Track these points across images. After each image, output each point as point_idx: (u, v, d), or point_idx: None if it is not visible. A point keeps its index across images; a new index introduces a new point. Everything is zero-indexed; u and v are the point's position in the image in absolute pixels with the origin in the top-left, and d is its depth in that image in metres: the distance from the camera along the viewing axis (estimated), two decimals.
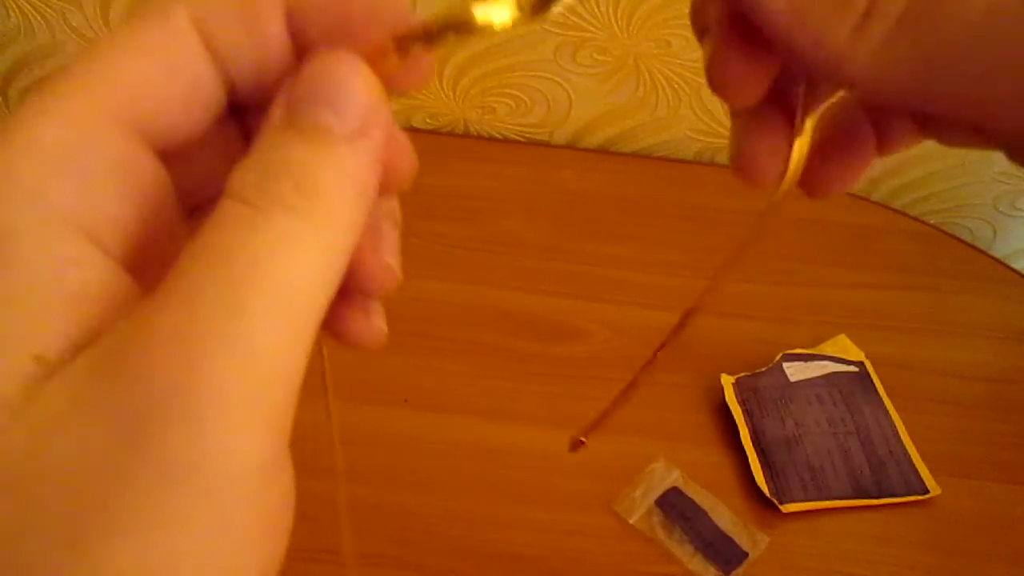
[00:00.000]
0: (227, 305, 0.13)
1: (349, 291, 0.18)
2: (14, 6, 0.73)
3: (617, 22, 0.70)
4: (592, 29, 0.71)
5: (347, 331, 0.19)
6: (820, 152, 0.21)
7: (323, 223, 0.15)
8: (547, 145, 0.81)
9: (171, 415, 0.13)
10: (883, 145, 0.21)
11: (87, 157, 0.14)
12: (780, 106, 0.20)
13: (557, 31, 0.72)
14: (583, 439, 0.26)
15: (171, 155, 0.16)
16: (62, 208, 0.14)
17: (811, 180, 0.21)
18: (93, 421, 0.13)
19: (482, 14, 0.16)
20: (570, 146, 0.81)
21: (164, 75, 0.16)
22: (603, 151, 0.80)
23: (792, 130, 0.20)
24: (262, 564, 0.14)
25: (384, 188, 0.17)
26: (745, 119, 0.20)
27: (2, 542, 0.13)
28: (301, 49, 0.17)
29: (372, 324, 0.19)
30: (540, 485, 0.54)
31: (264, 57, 0.17)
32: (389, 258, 0.18)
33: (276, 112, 0.15)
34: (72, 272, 0.14)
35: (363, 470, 0.53)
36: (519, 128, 0.80)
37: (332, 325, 0.19)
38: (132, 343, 0.13)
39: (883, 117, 0.21)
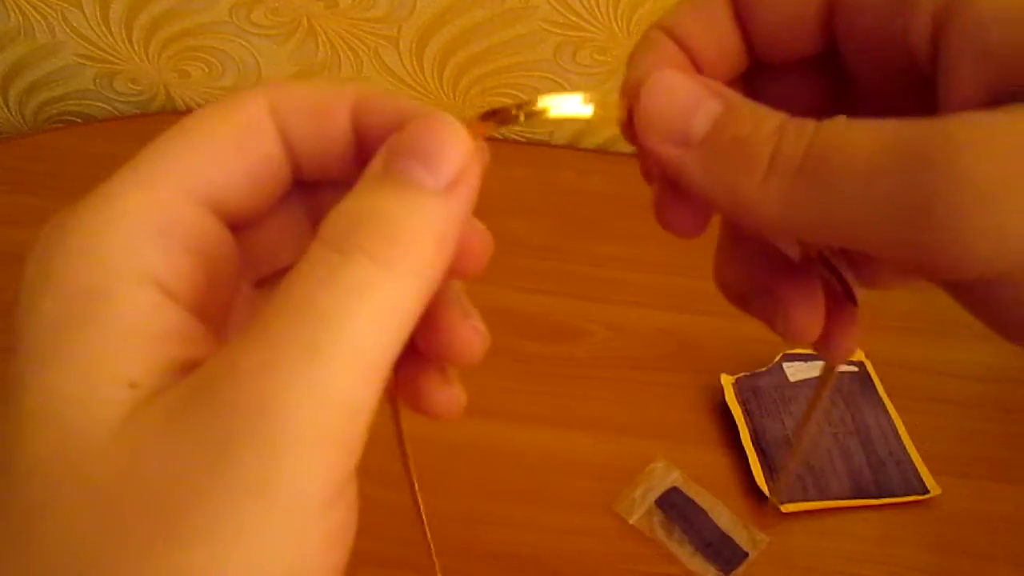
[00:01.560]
0: (306, 347, 0.15)
1: (429, 360, 0.20)
2: (14, 6, 0.73)
3: (617, 22, 0.70)
4: (592, 29, 0.71)
5: (428, 400, 0.21)
6: (828, 337, 0.23)
7: (404, 272, 0.16)
8: (547, 145, 0.81)
9: (251, 440, 0.14)
10: (872, 285, 0.24)
11: (166, 226, 0.17)
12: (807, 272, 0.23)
13: (557, 31, 0.72)
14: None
15: (239, 222, 0.19)
16: (145, 267, 0.16)
17: (827, 353, 0.24)
18: (183, 441, 0.15)
19: (556, 107, 0.20)
20: (570, 146, 0.81)
21: (237, 159, 0.18)
22: (603, 151, 0.80)
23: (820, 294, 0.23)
24: (326, 572, 0.16)
25: (457, 269, 0.18)
26: (785, 287, 0.23)
27: (92, 545, 0.14)
28: (362, 138, 0.19)
29: (452, 392, 0.21)
30: (540, 485, 0.54)
31: (330, 146, 0.19)
32: (478, 322, 0.20)
33: (376, 163, 0.17)
34: (154, 318, 0.16)
35: (363, 470, 0.53)
36: (519, 128, 0.80)
37: (411, 396, 0.21)
38: (222, 375, 0.15)
39: (859, 263, 0.23)
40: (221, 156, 0.18)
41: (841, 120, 0.17)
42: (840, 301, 0.23)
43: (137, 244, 0.16)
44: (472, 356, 0.20)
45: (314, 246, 0.16)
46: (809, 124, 0.17)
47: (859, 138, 0.16)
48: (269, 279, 0.21)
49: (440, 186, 0.17)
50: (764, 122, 0.18)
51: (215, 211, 0.18)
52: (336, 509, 0.16)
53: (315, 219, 0.21)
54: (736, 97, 0.19)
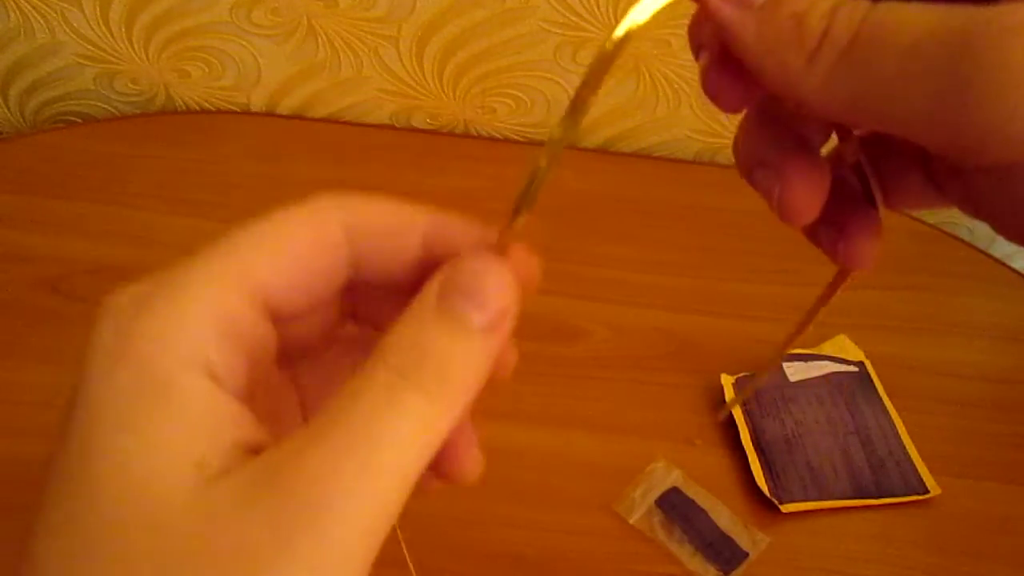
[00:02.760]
0: (364, 463, 0.17)
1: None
2: (14, 6, 0.73)
3: (617, 22, 0.70)
4: (592, 29, 0.71)
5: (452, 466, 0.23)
6: (835, 226, 0.24)
7: (446, 404, 0.19)
8: None
9: (312, 531, 0.17)
10: (892, 199, 0.24)
11: (228, 325, 0.19)
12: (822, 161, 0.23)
13: (557, 31, 0.72)
14: None
15: (286, 319, 0.21)
16: (208, 359, 0.18)
17: (839, 256, 0.24)
18: (254, 520, 0.17)
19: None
20: (570, 146, 0.80)
21: (303, 271, 0.20)
22: (603, 151, 0.80)
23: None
24: None
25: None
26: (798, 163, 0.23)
27: None
28: (425, 260, 0.21)
29: (430, 489, 0.23)
30: (540, 485, 0.54)
31: (396, 268, 0.21)
32: (478, 452, 0.23)
33: (431, 292, 0.19)
34: (215, 405, 0.18)
35: None
36: (519, 128, 0.80)
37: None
38: (289, 466, 0.17)
39: (886, 170, 0.23)
40: (287, 266, 0.20)
41: (892, 4, 0.18)
42: (862, 206, 0.23)
43: (203, 339, 0.18)
44: (465, 481, 0.23)
45: (378, 367, 0.18)
46: (862, 6, 0.18)
47: (906, 20, 0.17)
48: (293, 360, 0.24)
49: (487, 324, 0.19)
50: (820, 2, 0.18)
51: (269, 310, 0.20)
52: None
53: (346, 309, 0.24)
54: None
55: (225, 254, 0.19)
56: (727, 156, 0.81)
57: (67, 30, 0.74)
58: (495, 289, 0.19)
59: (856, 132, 0.23)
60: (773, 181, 0.22)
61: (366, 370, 0.18)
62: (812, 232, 0.24)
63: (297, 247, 0.20)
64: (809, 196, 0.22)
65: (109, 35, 0.74)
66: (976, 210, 0.21)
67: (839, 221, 0.24)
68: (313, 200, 0.20)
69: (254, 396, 0.20)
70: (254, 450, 0.18)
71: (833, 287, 0.26)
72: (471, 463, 0.23)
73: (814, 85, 0.18)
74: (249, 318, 0.19)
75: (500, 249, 0.20)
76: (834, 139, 0.24)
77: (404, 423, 0.18)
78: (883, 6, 0.18)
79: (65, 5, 0.72)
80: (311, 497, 0.17)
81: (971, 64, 0.16)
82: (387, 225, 0.21)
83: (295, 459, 0.17)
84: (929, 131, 0.18)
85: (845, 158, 0.24)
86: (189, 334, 0.18)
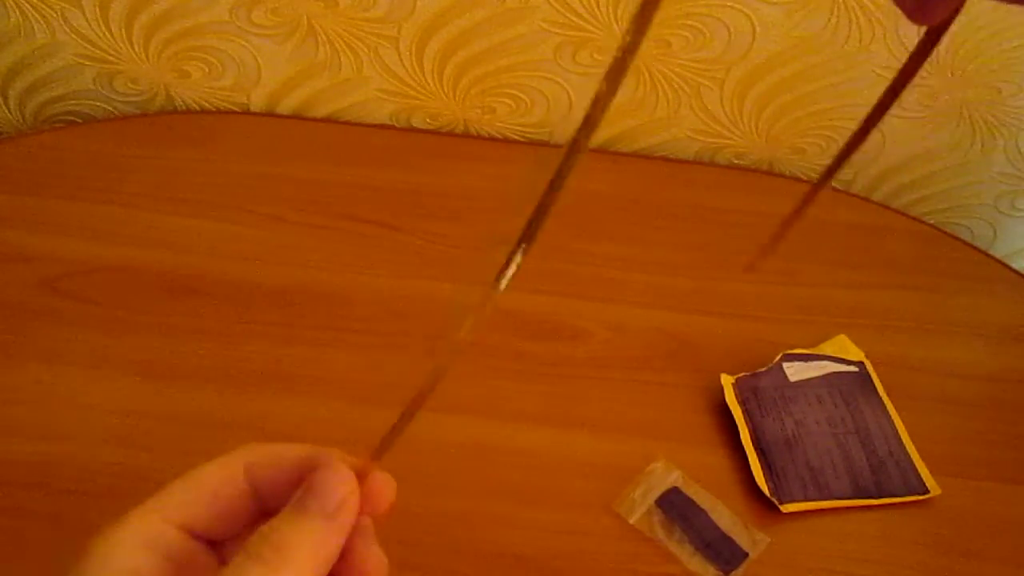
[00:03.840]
0: None
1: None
2: (14, 6, 0.73)
3: (617, 22, 0.70)
4: (592, 29, 0.71)
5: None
6: None
7: (277, 570, 0.23)
8: (547, 145, 0.81)
9: None
10: None
11: (151, 541, 0.25)
12: None
13: (557, 31, 0.72)
14: None
15: (217, 538, 0.27)
16: (136, 568, 0.24)
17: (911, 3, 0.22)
18: None
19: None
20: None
21: (214, 502, 0.26)
22: (603, 151, 0.80)
23: None
24: None
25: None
26: None
27: None
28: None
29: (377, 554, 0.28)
30: (540, 485, 0.54)
31: (285, 488, 0.26)
32: (381, 555, 0.27)
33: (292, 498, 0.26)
34: None
35: None
36: (519, 128, 0.80)
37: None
38: None
39: None
40: (202, 499, 0.26)
41: None
42: None
43: (132, 553, 0.24)
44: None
45: (238, 554, 0.24)
46: None
47: None
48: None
49: (324, 510, 0.25)
50: None
51: (192, 533, 0.26)
52: None
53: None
54: None
55: (160, 493, 0.26)
56: (727, 156, 0.81)
57: (67, 30, 0.74)
58: (334, 485, 0.25)
59: None
60: None
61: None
62: None
63: (207, 483, 0.26)
64: None
65: (109, 35, 0.74)
66: None
67: None
68: (230, 451, 0.27)
69: None
70: None
71: (919, 56, 0.23)
72: (373, 568, 0.27)
73: None
74: (172, 537, 0.25)
75: (357, 466, 0.26)
76: None
77: None
78: None
79: (65, 5, 0.72)
80: None
81: None
82: (271, 458, 0.27)
83: None
84: None
85: None
86: (122, 552, 0.24)
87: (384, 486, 0.28)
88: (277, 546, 0.24)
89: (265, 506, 0.27)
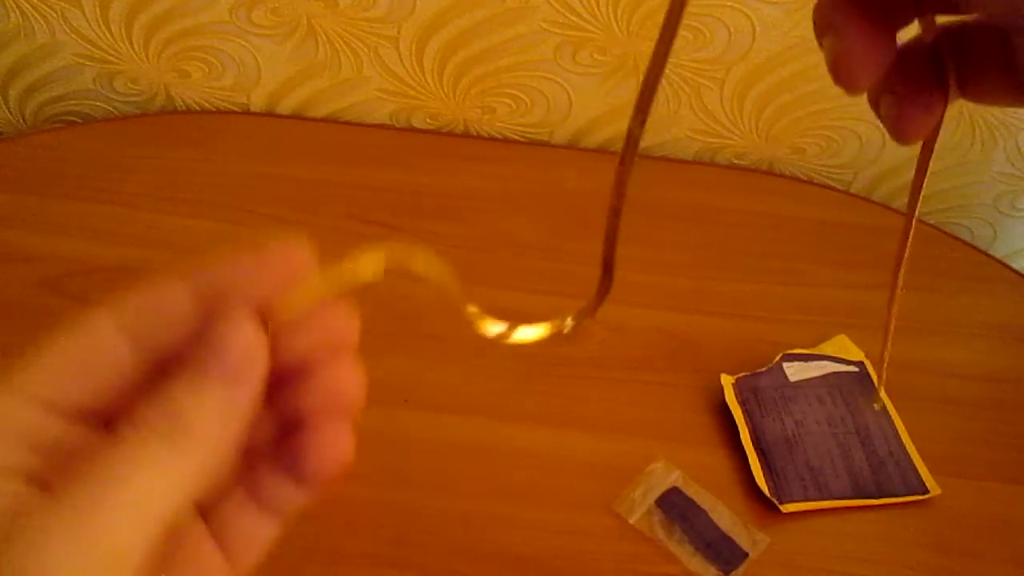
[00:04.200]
0: (85, 505, 0.18)
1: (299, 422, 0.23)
2: (14, 6, 0.73)
3: (617, 22, 0.70)
4: (592, 29, 0.71)
5: (309, 466, 0.23)
6: (899, 94, 0.23)
7: (185, 448, 0.19)
8: (547, 145, 0.81)
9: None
10: (971, 90, 0.23)
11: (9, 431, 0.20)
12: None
13: (557, 31, 0.72)
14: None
15: (104, 415, 0.21)
16: None
17: (894, 125, 0.24)
18: None
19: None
20: (570, 146, 0.81)
21: (79, 373, 0.21)
22: (603, 151, 0.80)
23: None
24: None
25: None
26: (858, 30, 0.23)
27: None
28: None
29: (340, 444, 0.24)
30: (540, 485, 0.54)
31: (176, 329, 0.21)
32: (348, 371, 0.24)
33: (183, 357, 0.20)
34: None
35: (363, 470, 0.53)
36: (519, 128, 0.80)
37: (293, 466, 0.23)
38: (24, 529, 0.18)
39: (968, 59, 0.23)
40: (66, 371, 0.21)
41: None
42: (930, 85, 0.23)
43: None
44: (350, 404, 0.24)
45: (120, 425, 0.19)
46: None
47: None
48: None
49: (224, 372, 0.20)
50: None
51: (66, 414, 0.21)
52: None
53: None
54: None
55: (5, 377, 0.21)
56: (727, 156, 0.81)
57: (67, 30, 0.74)
58: (234, 337, 0.20)
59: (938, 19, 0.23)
60: (833, 41, 0.22)
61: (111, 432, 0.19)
62: (875, 101, 0.24)
63: (71, 353, 0.21)
64: (864, 60, 0.22)
65: (109, 35, 0.74)
66: None
67: (903, 93, 0.23)
68: (81, 316, 0.22)
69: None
70: None
71: (920, 168, 0.26)
72: (331, 453, 0.23)
73: None
74: (36, 421, 0.20)
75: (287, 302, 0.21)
76: (915, 26, 0.24)
77: (133, 463, 0.19)
78: None
79: (65, 5, 0.72)
80: (12, 560, 0.17)
81: None
82: (151, 304, 0.22)
83: (15, 520, 0.18)
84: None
85: (924, 37, 0.23)
86: None
87: (339, 319, 0.23)
88: (173, 415, 0.19)
89: (163, 368, 0.22)
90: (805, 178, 0.81)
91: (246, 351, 0.20)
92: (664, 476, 0.54)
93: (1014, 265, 0.73)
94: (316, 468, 0.23)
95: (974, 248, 0.74)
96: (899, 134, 0.24)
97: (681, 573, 0.51)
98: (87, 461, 0.19)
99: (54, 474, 0.19)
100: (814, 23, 0.23)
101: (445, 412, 0.57)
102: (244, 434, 0.20)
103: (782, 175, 0.81)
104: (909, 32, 0.24)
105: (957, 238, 0.75)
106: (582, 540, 0.52)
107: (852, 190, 0.82)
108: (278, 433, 0.23)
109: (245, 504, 0.23)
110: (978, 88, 0.23)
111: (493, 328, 0.25)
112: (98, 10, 0.73)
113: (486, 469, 0.55)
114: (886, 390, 0.60)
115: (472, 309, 0.25)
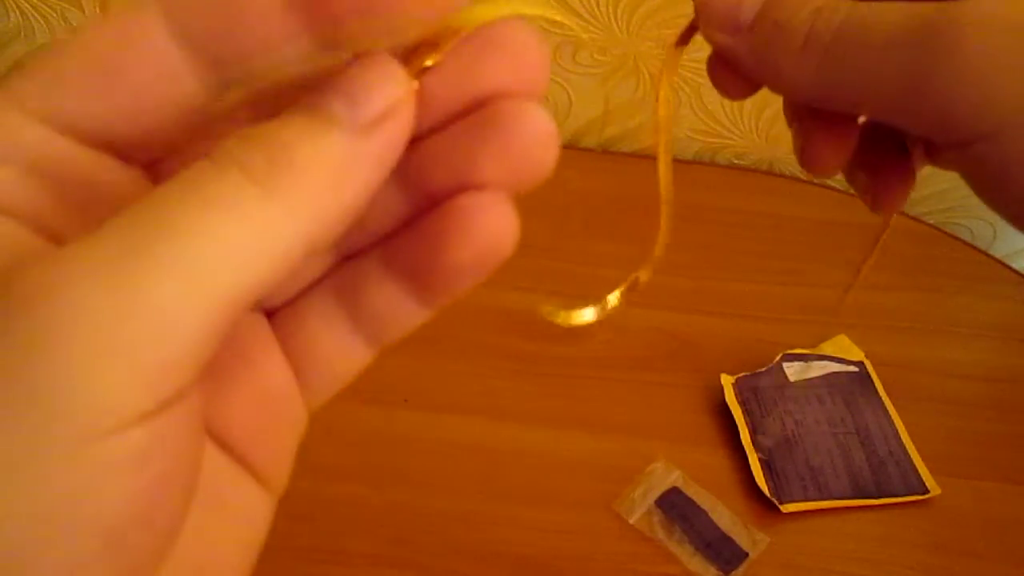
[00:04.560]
0: (133, 252, 0.13)
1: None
2: (14, 6, 0.73)
3: (617, 22, 0.70)
4: (592, 29, 0.71)
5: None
6: (870, 169, 0.25)
7: (282, 201, 0.14)
8: None
9: (44, 353, 0.12)
10: (935, 157, 0.25)
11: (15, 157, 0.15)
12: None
13: (557, 31, 0.72)
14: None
15: (138, 150, 0.16)
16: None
17: (871, 199, 0.26)
18: None
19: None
20: (570, 146, 0.81)
21: (108, 82, 0.15)
22: (603, 151, 0.80)
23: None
24: (112, 549, 0.13)
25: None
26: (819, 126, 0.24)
27: None
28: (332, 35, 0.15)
29: (503, 213, 0.17)
30: (540, 485, 0.54)
31: (263, 47, 0.15)
32: (507, 209, 0.17)
33: (296, 104, 0.15)
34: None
35: (363, 470, 0.53)
36: None
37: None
38: (33, 269, 0.13)
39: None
40: (90, 77, 0.15)
41: (872, 2, 0.20)
42: (897, 155, 0.25)
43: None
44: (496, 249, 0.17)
45: (203, 161, 0.14)
46: (843, 6, 0.20)
47: (882, 16, 0.19)
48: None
49: (358, 124, 0.14)
50: (802, 7, 0.20)
51: (85, 136, 0.15)
52: (156, 449, 0.13)
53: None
54: None
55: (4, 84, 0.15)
56: (727, 156, 0.81)
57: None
58: (375, 88, 0.14)
59: None
60: (797, 134, 0.24)
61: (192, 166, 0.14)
62: (850, 177, 0.26)
63: (96, 51, 0.15)
64: (825, 149, 0.24)
65: None
66: (972, 183, 0.23)
67: (874, 166, 0.25)
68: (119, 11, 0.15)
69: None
70: None
71: (878, 236, 0.28)
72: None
73: (806, 81, 0.20)
74: (36, 137, 0.15)
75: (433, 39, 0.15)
76: None
77: (209, 209, 0.13)
78: (863, 4, 0.20)
79: (65, 5, 0.72)
80: (48, 309, 0.12)
81: (935, 54, 0.18)
82: (223, 8, 0.14)
83: (49, 260, 0.13)
84: (901, 118, 0.20)
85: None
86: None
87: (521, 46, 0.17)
88: (275, 151, 0.14)
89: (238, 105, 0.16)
90: (805, 178, 0.81)
91: (392, 104, 0.15)
92: (664, 476, 0.54)
93: (1014, 265, 0.73)
94: (459, 259, 0.17)
95: (974, 248, 0.74)
96: (877, 206, 0.26)
97: (681, 573, 0.51)
98: (129, 201, 0.13)
99: (73, 220, 0.15)
100: (783, 111, 0.26)
101: (445, 412, 0.57)
102: (362, 209, 0.15)
103: (782, 175, 0.81)
104: None
105: (957, 238, 0.75)
106: (582, 540, 0.52)
107: (852, 190, 0.82)
108: (399, 222, 0.18)
109: (334, 314, 0.18)
110: (943, 157, 0.25)
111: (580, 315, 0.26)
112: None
113: (486, 469, 0.55)
114: (886, 390, 0.60)
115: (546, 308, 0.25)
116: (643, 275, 0.25)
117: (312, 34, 0.15)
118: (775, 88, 0.22)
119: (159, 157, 0.16)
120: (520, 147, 0.16)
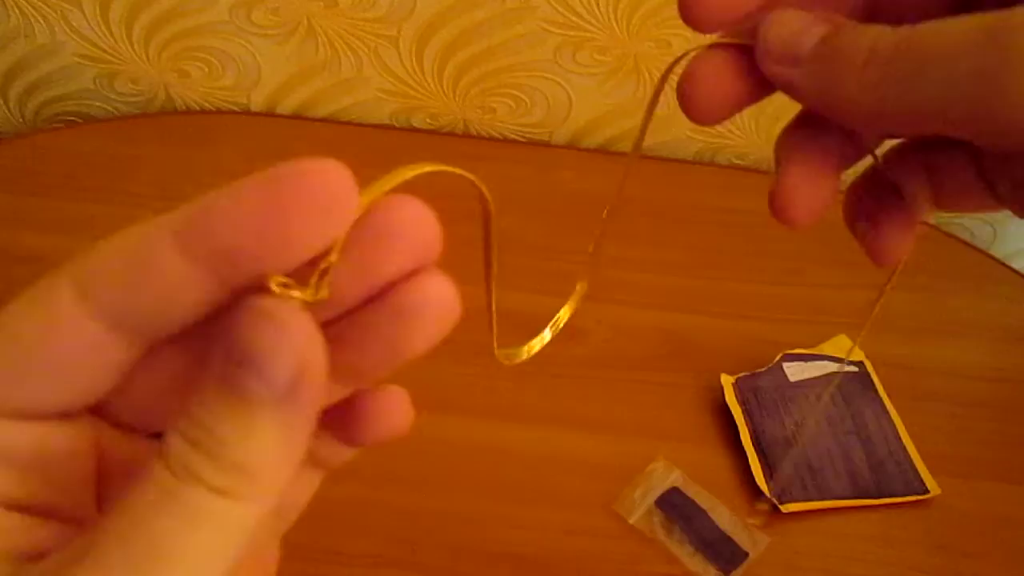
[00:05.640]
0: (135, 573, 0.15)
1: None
2: (14, 6, 0.73)
3: (617, 22, 0.70)
4: (592, 29, 0.71)
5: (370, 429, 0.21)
6: (873, 221, 0.25)
7: (240, 497, 0.15)
8: (547, 145, 0.80)
9: None
10: (945, 201, 0.25)
11: None
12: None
13: (557, 31, 0.72)
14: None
15: (82, 408, 0.18)
16: None
17: (873, 250, 0.26)
18: None
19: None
20: (570, 146, 0.81)
21: (46, 367, 0.16)
22: (603, 151, 0.80)
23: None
24: None
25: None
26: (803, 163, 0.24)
27: None
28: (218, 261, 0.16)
29: (400, 409, 0.22)
30: (540, 485, 0.54)
31: (172, 300, 0.16)
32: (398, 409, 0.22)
33: (213, 364, 0.15)
34: None
35: (363, 470, 0.53)
36: (519, 128, 0.80)
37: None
38: None
39: (939, 172, 0.25)
40: (24, 367, 0.16)
41: (930, 21, 0.19)
42: (899, 206, 0.25)
43: None
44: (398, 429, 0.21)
45: (155, 463, 0.15)
46: (905, 28, 0.20)
47: (942, 27, 0.19)
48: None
49: (277, 395, 0.15)
50: (865, 33, 0.20)
51: (32, 417, 0.17)
52: None
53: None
54: (842, 20, 0.21)
55: None
56: (727, 156, 0.81)
57: (67, 30, 0.74)
58: (281, 348, 0.15)
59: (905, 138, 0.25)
60: (775, 178, 0.24)
61: (143, 473, 0.15)
62: (851, 227, 0.26)
63: (26, 340, 0.16)
64: (797, 197, 0.23)
65: (109, 35, 0.74)
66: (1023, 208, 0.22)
67: (876, 218, 0.25)
68: (34, 287, 0.16)
69: (89, 489, 0.18)
70: (35, 557, 0.16)
71: (884, 285, 0.28)
72: (393, 422, 0.22)
73: (867, 98, 0.20)
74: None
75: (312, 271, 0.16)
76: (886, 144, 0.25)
77: (187, 526, 0.15)
78: (921, 24, 0.19)
79: (65, 5, 0.72)
80: None
81: (997, 58, 0.18)
82: (121, 260, 0.16)
83: None
84: (970, 126, 0.19)
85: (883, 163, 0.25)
86: None
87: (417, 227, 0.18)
88: (226, 463, 0.15)
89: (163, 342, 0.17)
90: None
91: (298, 363, 0.15)
92: (664, 476, 0.54)
93: (1014, 265, 0.73)
94: (372, 436, 0.21)
95: (974, 248, 0.74)
96: (877, 258, 0.26)
97: (681, 573, 0.51)
98: (127, 515, 0.15)
99: (36, 489, 0.17)
100: (775, 152, 0.25)
101: (445, 412, 0.57)
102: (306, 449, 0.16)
103: None
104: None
105: (957, 238, 0.75)
106: (582, 540, 0.52)
107: None
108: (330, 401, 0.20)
109: None
110: (952, 200, 0.25)
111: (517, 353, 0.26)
112: (98, 10, 0.73)
113: (486, 469, 0.55)
114: (886, 390, 0.60)
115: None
116: (581, 287, 0.25)
117: (213, 277, 0.16)
118: (836, 112, 0.21)
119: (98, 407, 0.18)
120: (431, 321, 0.20)
